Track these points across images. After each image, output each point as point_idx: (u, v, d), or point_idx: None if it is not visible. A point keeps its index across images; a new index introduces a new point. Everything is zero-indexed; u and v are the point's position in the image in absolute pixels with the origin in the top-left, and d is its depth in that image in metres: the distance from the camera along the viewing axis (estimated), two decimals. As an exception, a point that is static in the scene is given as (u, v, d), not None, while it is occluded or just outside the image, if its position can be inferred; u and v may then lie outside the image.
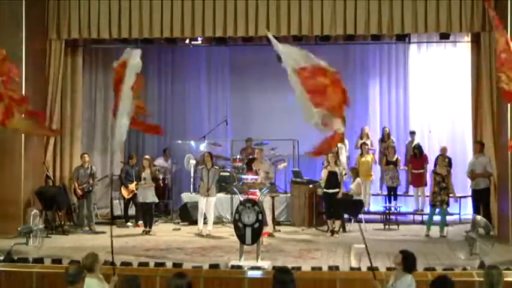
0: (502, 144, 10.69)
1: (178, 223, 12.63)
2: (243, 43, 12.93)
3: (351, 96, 7.02)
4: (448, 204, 11.16)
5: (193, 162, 13.19)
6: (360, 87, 14.41)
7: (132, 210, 12.74)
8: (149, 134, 8.11)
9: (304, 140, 13.48)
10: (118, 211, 13.18)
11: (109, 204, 13.40)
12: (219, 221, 12.49)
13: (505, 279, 7.39)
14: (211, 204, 11.51)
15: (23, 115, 9.19)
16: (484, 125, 11.49)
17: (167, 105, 15.65)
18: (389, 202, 12.69)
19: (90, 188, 11.92)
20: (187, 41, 13.25)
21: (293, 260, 9.02)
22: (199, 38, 12.89)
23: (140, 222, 12.03)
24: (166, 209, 13.69)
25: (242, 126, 14.90)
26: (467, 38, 12.35)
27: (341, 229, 11.46)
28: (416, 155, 12.74)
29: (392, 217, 12.38)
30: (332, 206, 11.30)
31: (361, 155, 13.02)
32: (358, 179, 12.24)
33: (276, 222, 11.88)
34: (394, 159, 12.91)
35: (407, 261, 5.76)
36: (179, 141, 14.41)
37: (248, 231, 8.48)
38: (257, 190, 9.63)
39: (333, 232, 11.23)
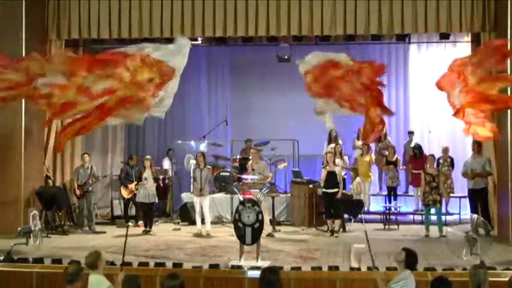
0: (502, 144, 10.69)
1: (178, 223, 12.63)
2: (243, 43, 12.91)
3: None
4: (441, 203, 11.17)
5: (193, 162, 13.18)
6: (359, 88, 14.39)
7: (132, 211, 12.75)
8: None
9: (304, 140, 13.54)
10: (118, 211, 13.20)
11: (109, 204, 13.45)
12: (219, 221, 12.50)
13: (505, 279, 7.43)
14: (205, 203, 11.51)
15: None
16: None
17: (167, 105, 15.62)
18: (389, 202, 12.69)
19: (90, 188, 11.93)
20: (187, 41, 13.23)
21: (293, 260, 9.02)
22: (199, 38, 12.86)
23: (140, 222, 12.04)
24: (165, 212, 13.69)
25: (242, 126, 14.91)
26: (467, 38, 12.34)
27: (341, 229, 11.46)
28: (416, 155, 12.74)
29: (392, 217, 12.38)
30: (332, 206, 11.30)
31: (361, 155, 13.02)
32: (357, 179, 12.25)
33: (276, 222, 11.89)
34: (394, 159, 12.91)
35: (410, 259, 5.80)
36: (179, 141, 14.41)
37: (248, 231, 8.48)
38: (257, 190, 9.61)
39: (332, 232, 11.23)
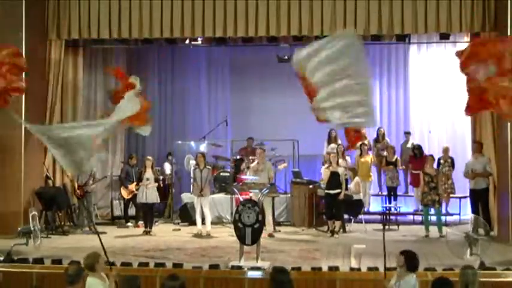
0: (502, 144, 10.69)
1: (178, 223, 12.63)
2: (243, 43, 12.93)
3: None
4: (440, 203, 11.17)
5: (193, 162, 13.16)
6: (359, 88, 14.38)
7: (132, 211, 12.74)
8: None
9: (304, 140, 13.53)
10: (118, 211, 13.20)
11: (109, 205, 13.44)
12: (219, 221, 12.50)
13: (505, 279, 7.44)
14: (206, 203, 11.50)
15: None
16: (484, 125, 11.49)
17: (167, 105, 15.65)
18: (389, 202, 12.68)
19: (90, 189, 11.91)
20: (187, 41, 13.24)
21: (293, 260, 9.01)
22: (199, 38, 12.89)
23: (140, 223, 12.03)
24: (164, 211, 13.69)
25: (242, 126, 14.90)
26: (467, 38, 12.34)
27: (341, 229, 11.45)
28: (417, 156, 12.73)
29: (392, 217, 12.38)
30: (333, 207, 11.28)
31: (361, 155, 13.01)
32: (356, 178, 12.24)
33: (276, 223, 11.88)
34: (394, 159, 12.91)
35: (410, 261, 5.79)
36: (179, 142, 14.40)
37: (248, 231, 8.47)
38: (257, 190, 9.61)
39: (333, 232, 11.22)
